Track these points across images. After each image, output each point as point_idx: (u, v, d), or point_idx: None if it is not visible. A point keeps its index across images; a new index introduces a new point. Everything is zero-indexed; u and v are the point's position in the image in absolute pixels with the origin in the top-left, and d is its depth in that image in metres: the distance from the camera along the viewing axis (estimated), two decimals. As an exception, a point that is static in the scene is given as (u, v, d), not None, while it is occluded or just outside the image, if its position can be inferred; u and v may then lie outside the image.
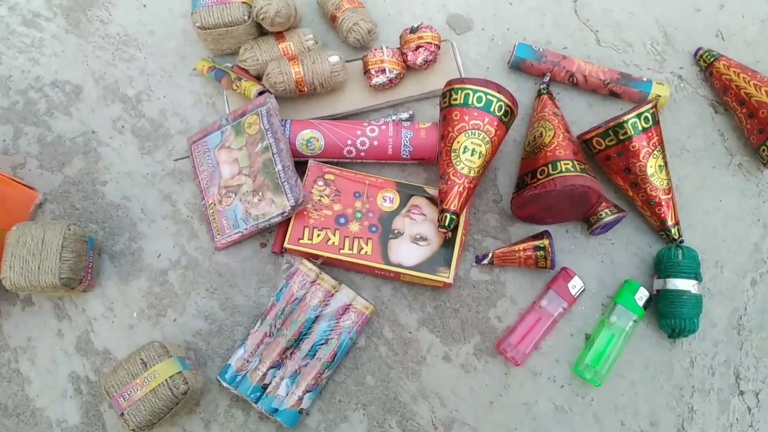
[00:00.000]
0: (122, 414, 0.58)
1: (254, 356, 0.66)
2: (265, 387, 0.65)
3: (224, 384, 0.65)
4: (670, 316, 0.69)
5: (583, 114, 0.78)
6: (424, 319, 0.71)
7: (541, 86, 0.77)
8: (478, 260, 0.72)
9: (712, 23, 0.83)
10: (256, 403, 0.65)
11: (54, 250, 0.63)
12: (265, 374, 0.65)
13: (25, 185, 0.69)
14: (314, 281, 0.69)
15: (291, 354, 0.67)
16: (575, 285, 0.71)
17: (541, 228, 0.74)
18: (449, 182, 0.67)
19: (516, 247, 0.71)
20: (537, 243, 0.70)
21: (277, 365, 0.66)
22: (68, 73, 0.77)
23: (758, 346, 0.71)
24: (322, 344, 0.67)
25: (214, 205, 0.72)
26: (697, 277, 0.69)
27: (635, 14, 0.83)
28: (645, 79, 0.77)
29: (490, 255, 0.71)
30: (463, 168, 0.66)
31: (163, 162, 0.75)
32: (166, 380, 0.59)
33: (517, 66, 0.78)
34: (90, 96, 0.76)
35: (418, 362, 0.70)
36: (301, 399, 0.65)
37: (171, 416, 0.60)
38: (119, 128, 0.76)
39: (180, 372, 0.60)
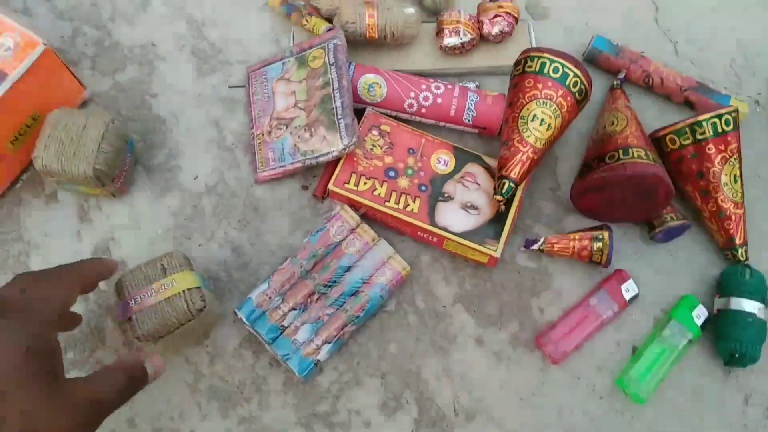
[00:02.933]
0: (129, 318, 0.53)
1: (277, 294, 0.61)
2: (282, 329, 0.60)
3: (240, 316, 0.59)
4: (730, 338, 0.62)
5: (654, 119, 0.75)
6: (461, 295, 0.65)
7: (615, 81, 0.74)
8: (528, 245, 0.66)
9: (798, 55, 0.80)
10: (270, 344, 0.59)
11: (93, 139, 0.59)
12: (285, 315, 0.60)
13: (76, 77, 0.66)
14: (353, 230, 0.64)
15: (316, 300, 0.61)
16: (629, 289, 0.65)
17: (598, 223, 0.69)
18: (512, 149, 0.62)
19: (571, 236, 0.66)
20: (595, 234, 0.65)
21: (299, 308, 0.61)
22: (140, -14, 0.75)
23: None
24: (351, 296, 0.62)
25: (263, 135, 0.68)
26: (765, 301, 0.63)
27: (717, 32, 0.80)
28: (723, 93, 0.74)
29: (542, 240, 0.66)
30: (529, 136, 0.62)
31: (217, 87, 0.72)
32: (183, 291, 0.54)
33: (592, 58, 0.76)
34: (157, 10, 0.75)
35: (449, 340, 0.64)
36: (318, 349, 0.59)
37: (179, 336, 0.55)
38: (179, 46, 0.73)
39: (199, 288, 0.55)
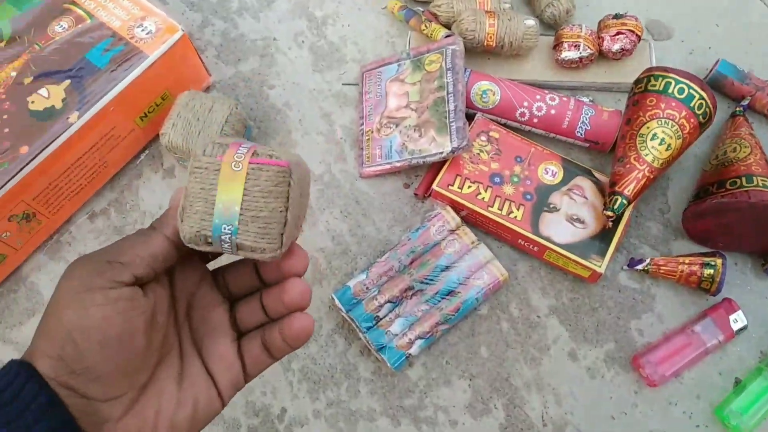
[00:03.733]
0: None
1: (375, 285, 0.62)
2: (377, 320, 0.61)
3: (337, 303, 0.61)
4: None
5: (777, 150, 0.71)
6: (557, 308, 0.64)
7: (738, 108, 0.71)
8: (632, 264, 0.65)
9: None
10: (365, 332, 0.60)
11: (218, 121, 0.63)
12: (381, 306, 0.61)
13: (203, 64, 0.70)
14: (453, 231, 0.65)
15: (412, 295, 0.62)
16: (737, 320, 0.62)
17: (708, 250, 0.66)
18: (628, 166, 0.61)
19: (681, 259, 0.63)
20: (707, 260, 0.62)
21: (395, 301, 0.61)
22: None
23: None
24: (447, 295, 0.62)
25: (372, 132, 0.70)
26: None
27: None
28: None
29: (648, 260, 0.64)
30: (647, 155, 0.61)
31: (331, 83, 0.74)
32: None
33: (715, 82, 0.73)
34: (281, 7, 0.78)
35: (541, 350, 0.63)
36: (411, 343, 0.60)
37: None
38: (299, 42, 0.77)
39: None
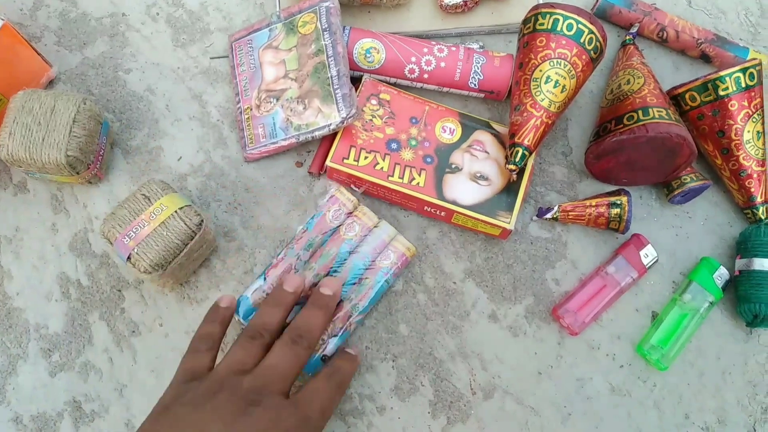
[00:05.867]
0: (129, 257, 0.49)
1: (275, 289, 0.57)
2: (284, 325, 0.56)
3: (237, 317, 0.55)
4: (753, 300, 0.60)
5: (669, 75, 0.71)
6: (472, 270, 0.62)
7: (627, 36, 0.69)
8: (541, 213, 0.63)
9: (812, 2, 0.76)
10: (273, 339, 0.55)
11: (64, 123, 0.54)
12: (286, 308, 0.56)
13: (40, 54, 0.60)
14: (351, 213, 0.60)
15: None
16: (648, 254, 0.62)
17: (613, 188, 0.65)
18: (525, 114, 0.58)
19: (587, 203, 0.62)
20: (613, 199, 0.61)
21: (300, 303, 0.56)
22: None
23: None
24: (354, 284, 0.57)
25: (251, 110, 0.62)
26: (788, 261, 0.61)
27: (732, -20, 0.76)
28: (741, 45, 0.70)
29: (556, 208, 0.62)
30: (543, 99, 0.58)
31: (197, 58, 0.66)
32: (175, 212, 0.51)
33: (603, 12, 0.71)
34: (126, -24, 0.68)
35: (461, 317, 0.60)
36: (324, 343, 0.55)
37: (187, 259, 0.52)
38: (153, 15, 0.67)
39: (190, 205, 0.53)
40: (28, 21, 0.65)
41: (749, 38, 0.74)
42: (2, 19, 0.54)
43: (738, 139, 0.62)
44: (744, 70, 0.61)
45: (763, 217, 0.64)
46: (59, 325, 0.56)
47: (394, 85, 0.64)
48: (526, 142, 0.58)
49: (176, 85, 0.64)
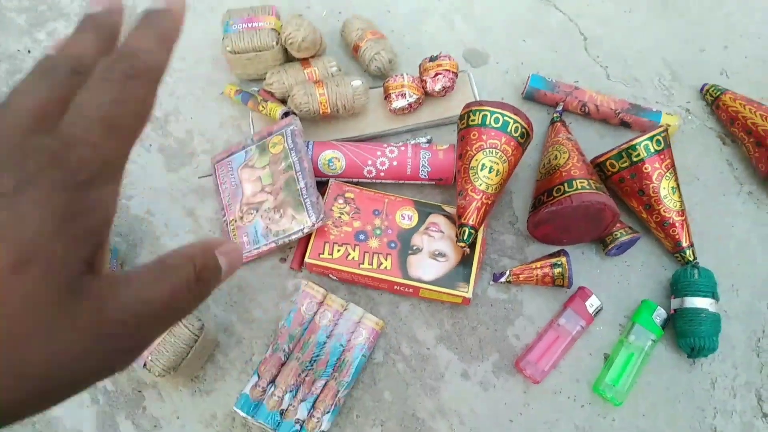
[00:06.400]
0: (145, 364, 0.59)
1: (269, 383, 0.65)
2: (282, 413, 0.64)
3: (241, 413, 0.64)
4: (688, 335, 0.68)
5: (595, 143, 0.81)
6: (442, 336, 0.71)
7: (555, 114, 0.80)
8: (496, 278, 0.72)
9: (717, 62, 0.87)
10: (276, 429, 0.63)
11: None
12: (281, 399, 0.65)
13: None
14: (321, 302, 0.69)
15: (306, 377, 0.66)
16: (592, 303, 0.71)
17: (557, 248, 0.75)
18: (467, 198, 0.68)
19: (533, 265, 0.72)
20: (554, 261, 0.71)
21: (293, 389, 0.65)
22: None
23: (779, 368, 0.70)
24: (336, 364, 0.67)
25: (235, 221, 0.73)
26: (714, 296, 0.70)
27: (643, 52, 0.87)
28: (654, 110, 0.80)
29: (508, 273, 0.72)
30: (481, 184, 0.68)
31: (187, 179, 0.77)
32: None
33: (531, 96, 0.82)
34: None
35: (436, 379, 0.69)
36: (319, 421, 0.64)
37: (193, 358, 0.62)
38: (146, 147, 0.78)
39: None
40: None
41: (665, 100, 0.85)
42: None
43: (656, 196, 0.72)
44: (651, 138, 0.71)
45: (690, 259, 0.73)
46: (92, 426, 0.65)
47: (357, 184, 0.75)
48: (471, 222, 0.68)
49: (172, 205, 0.75)
